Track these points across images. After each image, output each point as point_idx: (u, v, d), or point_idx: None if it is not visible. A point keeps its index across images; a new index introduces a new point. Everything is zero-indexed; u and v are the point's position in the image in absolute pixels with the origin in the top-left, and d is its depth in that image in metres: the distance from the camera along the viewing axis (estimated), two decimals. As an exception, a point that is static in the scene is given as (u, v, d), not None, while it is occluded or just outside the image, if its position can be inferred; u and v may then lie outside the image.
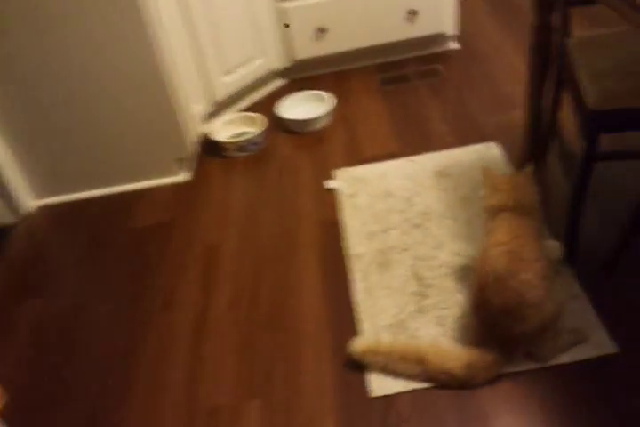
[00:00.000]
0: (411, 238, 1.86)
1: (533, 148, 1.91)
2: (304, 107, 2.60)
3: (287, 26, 2.66)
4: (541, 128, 1.89)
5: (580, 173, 1.53)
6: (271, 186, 2.25)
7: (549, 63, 1.71)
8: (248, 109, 2.67)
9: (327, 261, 1.86)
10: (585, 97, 1.45)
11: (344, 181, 2.18)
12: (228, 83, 2.55)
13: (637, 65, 1.47)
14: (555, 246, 1.68)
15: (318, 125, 2.51)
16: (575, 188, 1.57)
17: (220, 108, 2.60)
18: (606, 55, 1.58)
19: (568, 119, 1.88)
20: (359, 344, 1.41)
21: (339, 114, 2.58)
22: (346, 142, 2.41)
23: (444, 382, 1.41)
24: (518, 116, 2.31)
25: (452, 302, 1.62)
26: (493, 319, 1.39)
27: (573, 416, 1.32)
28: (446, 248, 1.80)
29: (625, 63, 1.50)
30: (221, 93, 2.54)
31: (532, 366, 1.43)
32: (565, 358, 1.43)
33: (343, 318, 1.65)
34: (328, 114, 2.52)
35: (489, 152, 2.17)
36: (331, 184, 2.18)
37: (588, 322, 1.50)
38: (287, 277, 1.83)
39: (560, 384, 1.39)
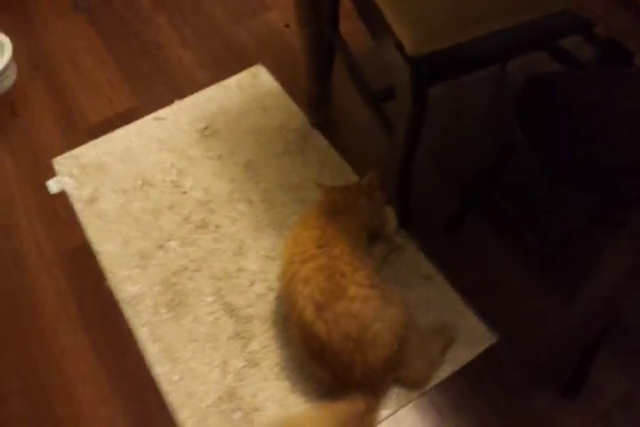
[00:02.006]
0: (199, 249, 1.30)
1: (317, 70, 1.38)
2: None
3: None
4: (322, 47, 1.34)
5: (411, 116, 1.05)
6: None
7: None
8: None
9: (93, 320, 1.24)
10: (394, 27, 0.92)
11: (71, 175, 1.47)
12: None
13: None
14: (389, 214, 1.28)
15: (2, 88, 1.67)
16: (406, 139, 1.10)
17: None
18: None
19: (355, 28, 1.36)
20: None
21: (28, 62, 1.74)
22: (55, 107, 1.63)
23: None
24: (275, 18, 1.73)
25: (285, 337, 1.16)
26: (339, 360, 1.00)
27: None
28: (251, 251, 1.28)
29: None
30: None
31: (414, 394, 1.08)
32: (444, 372, 1.10)
33: (150, 414, 1.12)
34: (12, 67, 1.68)
35: (258, 82, 1.59)
36: (54, 186, 1.47)
37: (451, 307, 1.17)
38: (39, 365, 1.20)
39: (452, 403, 1.07)
